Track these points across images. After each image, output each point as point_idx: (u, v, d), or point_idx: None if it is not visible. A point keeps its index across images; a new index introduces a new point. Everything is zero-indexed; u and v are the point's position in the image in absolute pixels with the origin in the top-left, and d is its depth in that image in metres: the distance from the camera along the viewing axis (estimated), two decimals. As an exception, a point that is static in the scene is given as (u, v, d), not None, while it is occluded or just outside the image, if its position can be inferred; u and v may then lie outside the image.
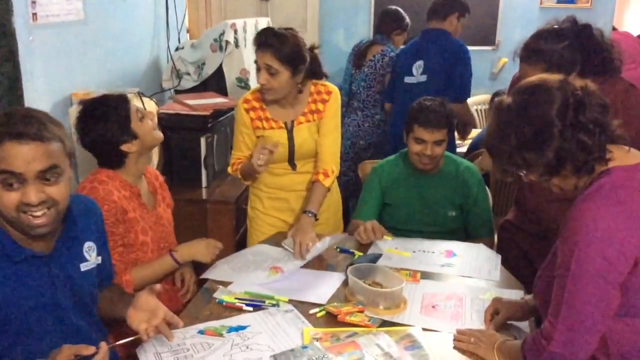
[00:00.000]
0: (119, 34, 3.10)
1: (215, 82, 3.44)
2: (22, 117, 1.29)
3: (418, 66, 3.44)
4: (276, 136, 2.31)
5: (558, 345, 1.27)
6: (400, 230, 2.40)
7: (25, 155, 1.27)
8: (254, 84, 3.50)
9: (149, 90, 3.32)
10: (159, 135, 2.01)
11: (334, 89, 2.38)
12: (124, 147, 1.89)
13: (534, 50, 1.96)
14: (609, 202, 1.22)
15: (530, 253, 2.27)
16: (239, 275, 1.99)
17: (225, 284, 1.93)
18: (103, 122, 1.86)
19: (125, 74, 3.20)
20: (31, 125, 1.28)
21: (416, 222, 2.44)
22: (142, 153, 1.94)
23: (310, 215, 2.19)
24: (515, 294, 1.84)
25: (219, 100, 3.02)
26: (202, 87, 3.51)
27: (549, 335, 1.29)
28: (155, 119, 2.04)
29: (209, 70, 3.44)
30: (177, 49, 3.65)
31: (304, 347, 1.53)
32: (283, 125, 2.32)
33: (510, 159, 1.33)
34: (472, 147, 3.70)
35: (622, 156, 1.28)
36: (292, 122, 2.33)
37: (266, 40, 2.14)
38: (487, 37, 5.40)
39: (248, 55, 3.40)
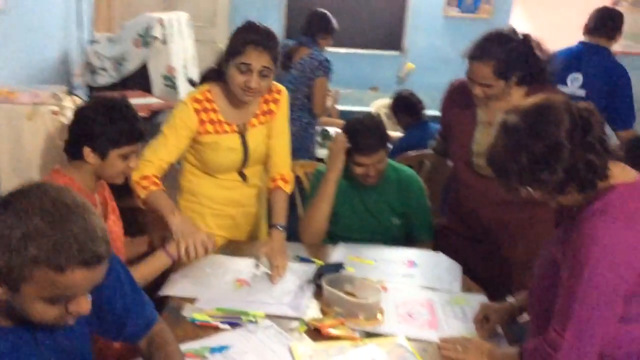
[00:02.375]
0: (33, 26, 2.83)
1: (137, 80, 3.25)
2: (85, 232, 1.03)
3: (574, 78, 3.39)
4: (229, 141, 2.15)
5: (566, 354, 1.33)
6: (346, 238, 2.40)
7: (90, 282, 1.07)
8: (181, 82, 3.36)
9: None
10: (119, 181, 1.85)
11: (283, 87, 2.29)
12: (86, 151, 1.73)
13: (485, 49, 2.06)
14: (617, 218, 1.30)
15: (466, 256, 2.35)
16: (202, 290, 1.88)
17: (191, 300, 1.82)
18: (108, 118, 1.72)
19: (36, 69, 2.93)
20: (101, 242, 1.05)
21: (361, 230, 2.45)
22: (95, 175, 1.79)
23: (281, 229, 2.10)
24: (480, 299, 1.91)
25: (151, 100, 2.86)
26: (121, 85, 3.30)
27: (556, 344, 1.34)
28: (134, 167, 1.85)
29: (130, 66, 3.25)
30: (92, 43, 3.41)
31: (300, 365, 1.49)
32: (236, 129, 2.16)
33: (520, 178, 1.37)
34: (393, 152, 3.79)
35: (619, 173, 1.37)
36: (245, 125, 2.17)
37: (267, 41, 1.98)
38: (394, 42, 5.58)
39: (175, 51, 3.24)
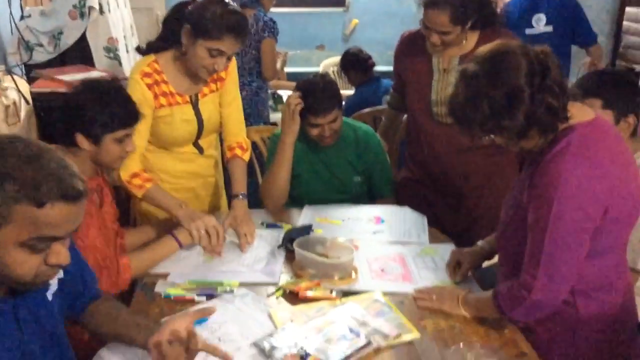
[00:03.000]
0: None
1: (77, 54, 3.08)
2: (62, 168, 1.04)
3: (538, 19, 3.78)
4: (183, 113, 2.07)
5: (540, 293, 1.38)
6: (309, 200, 2.40)
7: (69, 219, 1.05)
8: (124, 53, 3.21)
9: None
10: (117, 166, 1.80)
11: None
12: (79, 138, 1.65)
13: None
14: (580, 157, 1.33)
15: (430, 207, 2.38)
16: (172, 265, 1.85)
17: (163, 276, 1.80)
18: (99, 102, 1.64)
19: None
20: (77, 178, 1.05)
21: (323, 191, 2.45)
22: (92, 161, 1.71)
23: (242, 198, 2.07)
24: (448, 248, 1.94)
25: (95, 74, 2.72)
26: (60, 60, 3.13)
27: (529, 285, 1.39)
28: (132, 150, 1.78)
29: (68, 40, 3.07)
30: (22, 18, 3.21)
31: (282, 329, 1.49)
32: (188, 100, 2.09)
33: (482, 125, 1.38)
34: (346, 111, 3.77)
35: (577, 113, 1.40)
36: (197, 95, 2.10)
37: (244, 29, 1.92)
38: (337, -1, 5.50)
39: (114, 21, 3.10)
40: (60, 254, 1.08)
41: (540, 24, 3.83)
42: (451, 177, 2.36)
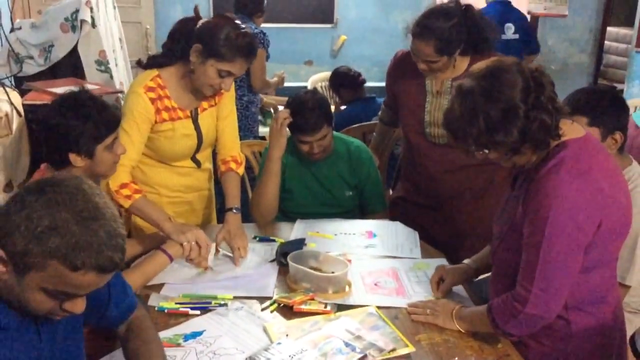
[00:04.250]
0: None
1: (68, 66, 3.09)
2: (109, 238, 1.04)
3: (508, 27, 4.54)
4: (184, 127, 2.08)
5: (533, 307, 1.40)
6: (301, 214, 2.41)
7: (95, 286, 1.07)
8: (113, 67, 3.22)
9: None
10: (111, 173, 1.79)
11: None
12: (72, 157, 1.64)
13: (427, 27, 2.08)
14: (573, 173, 1.36)
15: (422, 225, 2.39)
16: (165, 275, 1.85)
17: (156, 288, 1.79)
18: (81, 117, 1.63)
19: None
20: (119, 252, 1.05)
21: (315, 205, 2.45)
22: (88, 175, 1.68)
23: (236, 212, 2.07)
24: (440, 262, 1.96)
25: (87, 87, 2.71)
26: (52, 72, 3.13)
27: (523, 299, 1.41)
28: (123, 151, 1.78)
29: (59, 53, 3.08)
30: (12, 30, 3.21)
31: (278, 343, 1.49)
32: (189, 114, 2.09)
33: (477, 140, 1.40)
34: (337, 126, 3.79)
35: (568, 129, 1.43)
36: (197, 109, 2.11)
37: (254, 51, 1.95)
38: (326, 15, 5.56)
39: (106, 35, 3.10)
40: (76, 305, 1.09)
41: (509, 31, 4.58)
42: (443, 195, 2.39)
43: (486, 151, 1.43)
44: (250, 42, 1.92)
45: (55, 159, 1.69)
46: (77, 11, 2.97)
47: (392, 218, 2.46)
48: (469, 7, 2.17)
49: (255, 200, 2.36)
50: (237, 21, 1.94)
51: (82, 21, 2.98)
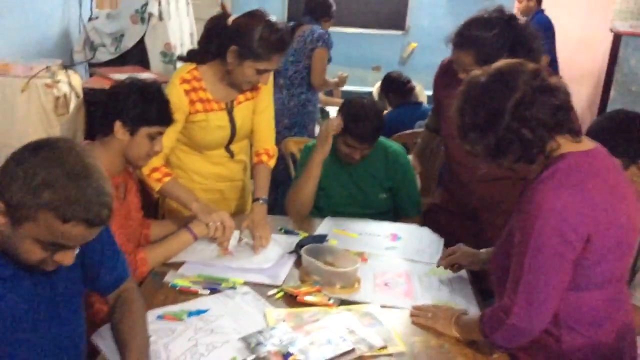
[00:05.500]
0: (31, 3, 2.87)
1: (135, 56, 3.29)
2: (97, 195, 1.14)
3: None
4: (218, 119, 2.16)
5: (517, 318, 1.37)
6: (334, 212, 2.44)
7: (84, 239, 1.18)
8: (178, 59, 3.38)
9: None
10: (143, 164, 1.88)
11: None
12: (117, 125, 1.74)
13: (466, 37, 2.06)
14: (564, 185, 1.33)
15: (455, 233, 2.37)
16: (186, 255, 1.94)
17: (175, 266, 1.88)
18: (142, 96, 1.74)
19: (37, 45, 2.99)
20: (106, 208, 1.16)
21: (349, 205, 2.48)
22: (122, 154, 1.80)
23: (262, 202, 2.13)
24: (460, 273, 1.94)
25: (149, 76, 2.89)
26: (120, 61, 3.34)
27: (508, 309, 1.39)
28: (160, 150, 1.87)
29: (128, 42, 3.28)
30: (90, 19, 3.44)
31: (272, 328, 1.54)
32: (224, 107, 2.17)
33: (459, 130, 1.43)
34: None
35: (572, 145, 1.39)
36: (232, 102, 2.18)
37: (288, 44, 2.01)
38: (397, 22, 5.57)
39: (173, 28, 3.27)
40: (66, 257, 1.19)
41: None
42: (477, 206, 2.35)
43: (467, 146, 1.43)
44: (283, 36, 1.96)
45: (102, 124, 1.78)
46: (146, 4, 3.15)
47: (424, 224, 2.46)
48: (512, 16, 2.13)
49: (291, 196, 2.42)
50: (269, 17, 1.97)
51: (150, 14, 3.16)
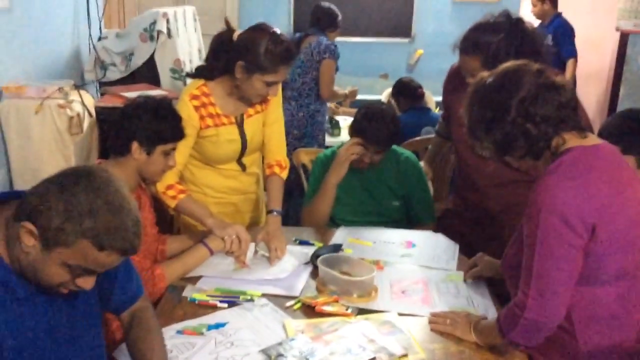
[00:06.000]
0: (41, 23, 2.93)
1: (146, 73, 3.33)
2: (133, 226, 1.18)
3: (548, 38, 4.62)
4: (228, 133, 2.18)
5: (532, 312, 1.38)
6: (348, 221, 2.45)
7: (111, 266, 1.21)
8: (188, 75, 3.42)
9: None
10: (158, 179, 1.92)
11: None
12: (134, 146, 1.77)
13: (472, 43, 2.07)
14: (568, 175, 1.35)
15: (470, 239, 2.37)
16: (203, 269, 1.96)
17: (193, 280, 1.90)
18: (156, 116, 1.78)
19: (48, 66, 3.03)
20: (139, 238, 1.19)
21: (362, 213, 2.49)
22: (138, 172, 1.83)
23: (277, 214, 2.15)
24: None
25: (159, 92, 2.92)
26: (130, 79, 3.38)
27: (522, 304, 1.40)
28: (174, 165, 1.90)
29: (138, 60, 3.32)
30: (100, 39, 3.49)
31: (292, 339, 1.54)
32: (234, 121, 2.18)
33: (468, 129, 1.47)
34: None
35: (577, 141, 1.41)
36: (242, 115, 2.20)
37: (294, 55, 2.04)
38: (403, 29, 5.59)
39: (182, 45, 3.31)
40: (88, 282, 1.21)
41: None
42: (491, 210, 2.35)
43: (476, 144, 1.47)
44: (288, 47, 1.99)
45: (118, 145, 1.81)
46: (154, 22, 3.19)
47: (438, 230, 2.45)
48: (519, 20, 2.13)
49: (307, 213, 2.44)
50: (273, 30, 2.00)
51: (159, 31, 3.20)
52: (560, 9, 4.89)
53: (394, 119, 2.34)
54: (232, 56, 1.99)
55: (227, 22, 2.09)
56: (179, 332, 1.60)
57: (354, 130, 2.37)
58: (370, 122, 2.28)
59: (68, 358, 1.32)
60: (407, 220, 2.54)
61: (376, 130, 2.27)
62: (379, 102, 2.93)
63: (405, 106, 4.00)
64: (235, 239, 1.96)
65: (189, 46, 3.55)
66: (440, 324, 1.65)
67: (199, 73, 2.15)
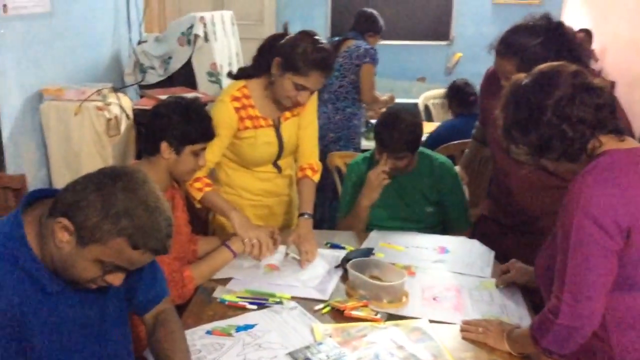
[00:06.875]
0: (82, 27, 3.00)
1: (183, 77, 3.38)
2: (166, 226, 1.20)
3: None
4: (266, 135, 2.20)
5: (566, 317, 1.33)
6: (380, 227, 2.42)
7: (142, 264, 1.25)
8: (225, 78, 3.45)
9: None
10: (188, 178, 1.95)
11: None
12: (163, 146, 1.80)
13: (509, 45, 2.02)
14: (603, 178, 1.31)
15: (505, 245, 2.31)
16: (235, 271, 1.96)
17: (223, 282, 1.90)
18: (185, 117, 1.80)
19: (88, 69, 3.11)
20: (170, 238, 1.22)
21: (396, 219, 2.45)
22: (168, 171, 1.85)
23: (308, 217, 2.14)
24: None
25: (190, 95, 2.96)
26: (169, 82, 3.44)
27: (556, 309, 1.35)
28: (203, 165, 1.92)
29: (176, 64, 3.37)
30: (139, 43, 3.56)
31: (319, 343, 1.53)
32: (271, 123, 2.21)
33: (503, 130, 1.44)
34: (430, 142, 3.75)
35: (615, 143, 1.37)
36: (279, 118, 2.22)
37: (330, 66, 2.05)
38: (442, 32, 5.53)
39: (219, 49, 3.34)
40: (117, 278, 1.24)
41: None
42: (526, 216, 2.29)
43: (511, 147, 1.45)
44: (326, 58, 1.99)
45: (149, 145, 1.84)
46: (192, 26, 3.23)
47: (474, 236, 2.41)
48: (559, 24, 2.07)
49: (341, 226, 2.44)
50: (317, 37, 2.02)
51: (196, 35, 3.24)
52: (605, 12, 4.74)
53: (410, 124, 2.27)
54: (275, 54, 2.03)
55: (285, 27, 2.14)
56: (209, 332, 1.61)
57: (374, 137, 2.35)
58: (385, 128, 2.25)
59: (97, 353, 1.34)
60: (442, 226, 2.51)
61: (390, 137, 2.24)
62: (406, 106, 2.86)
63: (457, 111, 3.92)
64: (256, 243, 1.97)
65: (227, 50, 3.58)
66: (472, 332, 1.61)
67: (241, 74, 2.19)
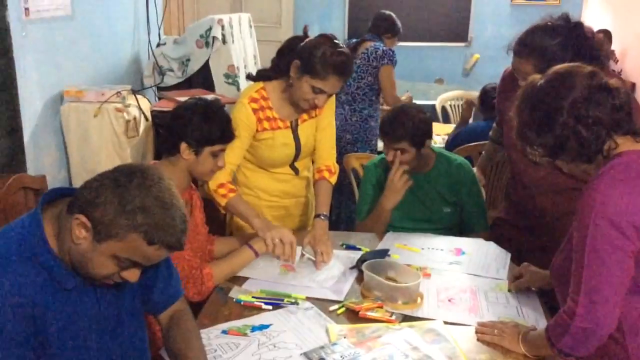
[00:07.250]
0: (102, 30, 3.04)
1: (201, 79, 3.41)
2: (181, 222, 1.22)
3: None
4: (283, 137, 2.21)
5: (582, 320, 1.32)
6: (398, 228, 2.42)
7: (157, 260, 1.25)
8: (243, 80, 3.48)
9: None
10: (208, 179, 1.97)
11: None
12: (182, 147, 1.82)
13: (527, 45, 2.01)
14: (619, 179, 1.30)
15: (521, 247, 2.30)
16: (250, 271, 1.98)
17: (239, 282, 1.92)
18: (205, 118, 1.82)
19: (108, 71, 3.15)
20: (184, 235, 1.24)
21: (412, 220, 2.45)
22: (188, 170, 1.87)
23: (324, 218, 2.15)
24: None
25: (210, 97, 2.98)
26: (187, 84, 3.47)
27: (572, 311, 1.34)
28: (222, 166, 1.93)
29: (194, 66, 3.40)
30: (158, 45, 3.60)
31: (334, 344, 1.54)
32: (289, 125, 2.22)
33: (518, 132, 1.44)
34: (450, 144, 3.74)
35: (631, 145, 1.36)
36: (297, 120, 2.24)
37: (348, 71, 2.05)
38: (460, 33, 5.51)
39: (236, 51, 3.37)
40: (133, 274, 1.25)
41: None
42: (543, 218, 2.28)
43: (526, 148, 1.44)
44: (345, 62, 1.99)
45: (168, 145, 1.86)
46: (210, 29, 3.26)
47: (491, 238, 2.39)
48: (578, 24, 2.06)
49: (361, 229, 2.44)
50: (337, 41, 2.03)
51: (214, 38, 3.27)
52: (625, 13, 4.68)
53: (412, 116, 2.28)
54: (293, 56, 2.04)
55: (304, 30, 2.17)
56: (224, 331, 1.62)
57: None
58: (388, 121, 2.30)
59: (112, 350, 1.36)
60: (459, 227, 2.50)
61: (391, 129, 2.28)
62: (421, 107, 2.85)
63: (485, 114, 3.90)
64: (279, 242, 1.97)
65: (244, 52, 3.61)
66: (487, 334, 1.60)
67: (260, 76, 2.21)
